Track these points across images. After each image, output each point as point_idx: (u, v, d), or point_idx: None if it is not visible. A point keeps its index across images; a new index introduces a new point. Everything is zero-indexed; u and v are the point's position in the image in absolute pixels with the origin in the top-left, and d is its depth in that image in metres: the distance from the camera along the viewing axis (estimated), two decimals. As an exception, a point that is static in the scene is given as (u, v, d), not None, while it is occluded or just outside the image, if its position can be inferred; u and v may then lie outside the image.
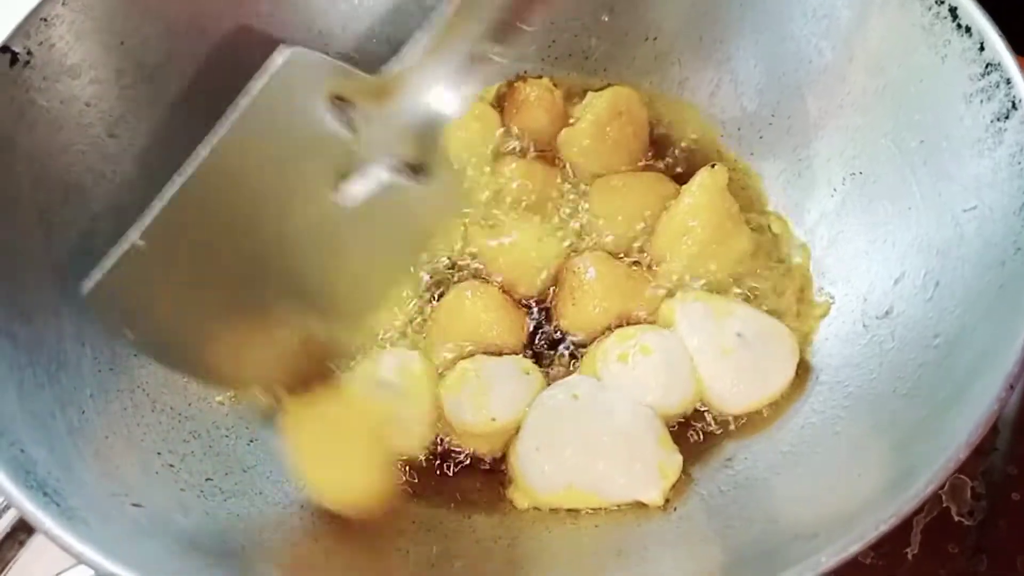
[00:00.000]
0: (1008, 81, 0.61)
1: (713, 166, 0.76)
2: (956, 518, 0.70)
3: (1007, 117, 0.60)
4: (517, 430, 0.67)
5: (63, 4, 0.69)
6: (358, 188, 0.66)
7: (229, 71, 0.80)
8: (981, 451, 0.73)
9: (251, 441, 0.68)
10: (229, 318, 0.64)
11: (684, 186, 0.77)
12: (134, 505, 0.57)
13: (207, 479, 0.63)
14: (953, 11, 0.65)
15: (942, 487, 0.69)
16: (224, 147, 0.61)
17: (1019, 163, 0.59)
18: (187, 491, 0.61)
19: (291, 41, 0.82)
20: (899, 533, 0.69)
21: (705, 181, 0.75)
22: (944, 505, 0.71)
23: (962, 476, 0.72)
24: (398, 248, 0.70)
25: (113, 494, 0.57)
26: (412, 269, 0.74)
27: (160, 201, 0.61)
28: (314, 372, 0.67)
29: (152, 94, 0.75)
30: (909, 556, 0.69)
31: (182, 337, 0.64)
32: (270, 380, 0.66)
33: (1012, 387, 0.50)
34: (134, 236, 0.60)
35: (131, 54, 0.74)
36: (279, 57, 0.62)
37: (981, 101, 0.62)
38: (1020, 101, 0.60)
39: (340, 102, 0.65)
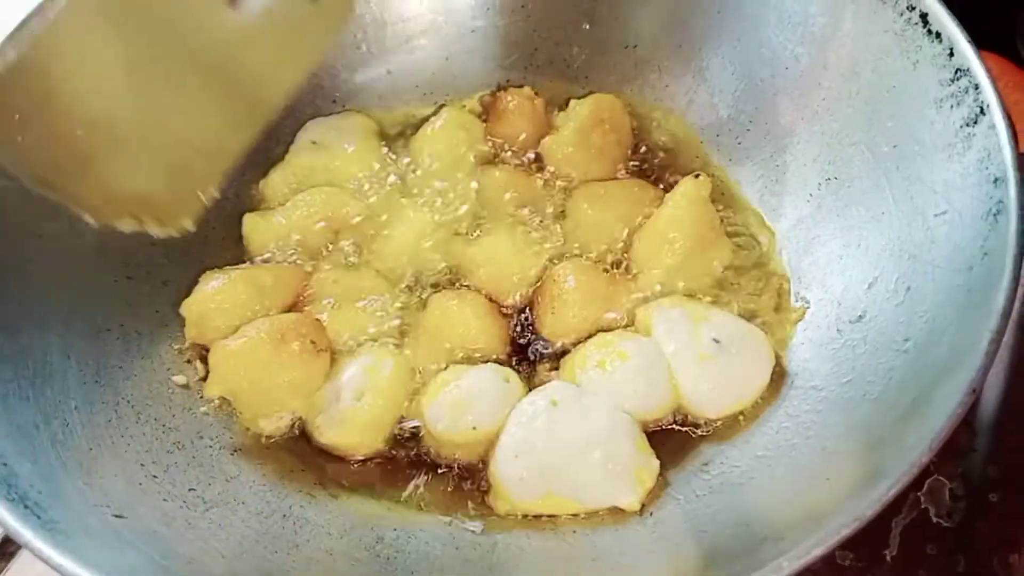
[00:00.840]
0: (976, 87, 0.62)
1: (697, 176, 0.76)
2: (935, 519, 0.71)
3: (975, 122, 0.61)
4: (498, 437, 0.68)
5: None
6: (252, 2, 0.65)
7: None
8: (959, 453, 0.73)
9: (235, 451, 0.69)
10: (111, 135, 0.62)
11: (667, 195, 0.77)
12: (116, 516, 0.57)
13: (190, 489, 0.64)
14: (924, 17, 0.66)
15: (920, 488, 0.71)
16: None
17: (987, 168, 0.59)
18: (170, 501, 0.62)
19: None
20: (877, 534, 0.70)
21: (688, 192, 0.75)
22: (923, 506, 0.71)
23: (940, 478, 0.72)
24: (286, 63, 0.69)
25: (95, 505, 0.58)
26: (290, 89, 0.72)
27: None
28: (185, 200, 0.67)
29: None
30: (888, 557, 0.69)
31: (56, 156, 0.61)
32: (141, 209, 0.65)
33: (975, 391, 0.50)
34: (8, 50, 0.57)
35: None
36: None
37: (951, 106, 0.63)
38: (988, 106, 0.61)
39: None
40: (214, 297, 0.73)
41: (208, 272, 0.74)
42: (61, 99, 0.59)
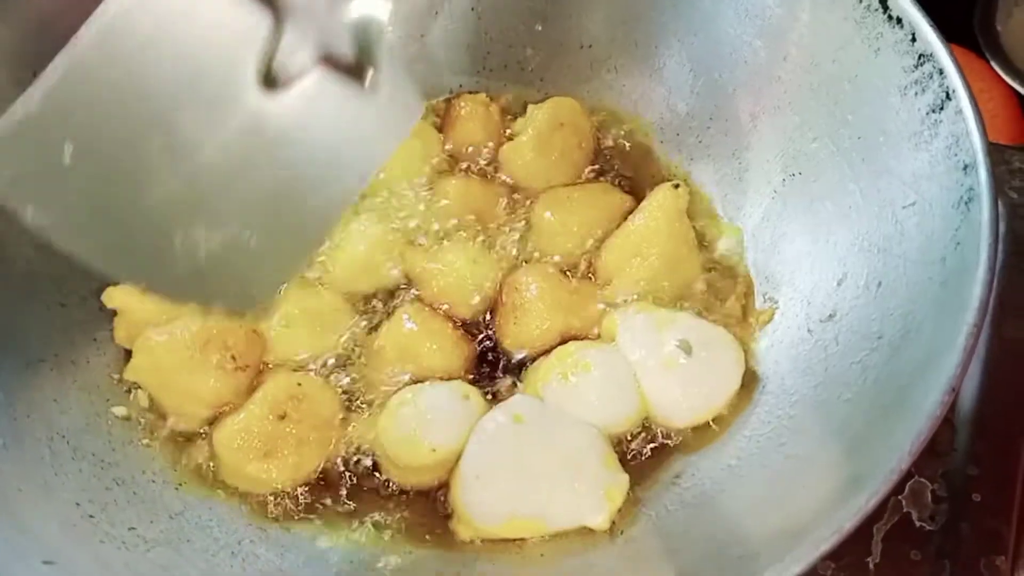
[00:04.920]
0: (941, 71, 0.59)
1: (677, 186, 0.73)
2: (917, 523, 0.68)
3: (942, 108, 0.59)
4: (459, 459, 0.64)
5: None
6: (285, 82, 0.51)
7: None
8: (940, 452, 0.70)
9: (179, 485, 0.65)
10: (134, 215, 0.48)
11: (642, 203, 0.75)
12: (45, 563, 0.53)
13: (130, 528, 0.60)
14: (884, 3, 0.63)
15: (901, 492, 0.68)
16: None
17: (955, 155, 0.57)
18: (107, 543, 0.58)
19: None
20: (860, 542, 0.67)
21: (665, 203, 0.72)
22: (905, 511, 0.68)
23: (922, 479, 0.69)
24: (336, 168, 0.54)
25: (22, 554, 0.53)
26: (351, 203, 0.61)
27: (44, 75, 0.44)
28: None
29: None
30: (871, 565, 0.66)
31: (86, 221, 0.47)
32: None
33: (955, 389, 0.48)
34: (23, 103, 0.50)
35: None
36: None
37: (916, 93, 0.61)
38: (953, 91, 0.58)
39: None
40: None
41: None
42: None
